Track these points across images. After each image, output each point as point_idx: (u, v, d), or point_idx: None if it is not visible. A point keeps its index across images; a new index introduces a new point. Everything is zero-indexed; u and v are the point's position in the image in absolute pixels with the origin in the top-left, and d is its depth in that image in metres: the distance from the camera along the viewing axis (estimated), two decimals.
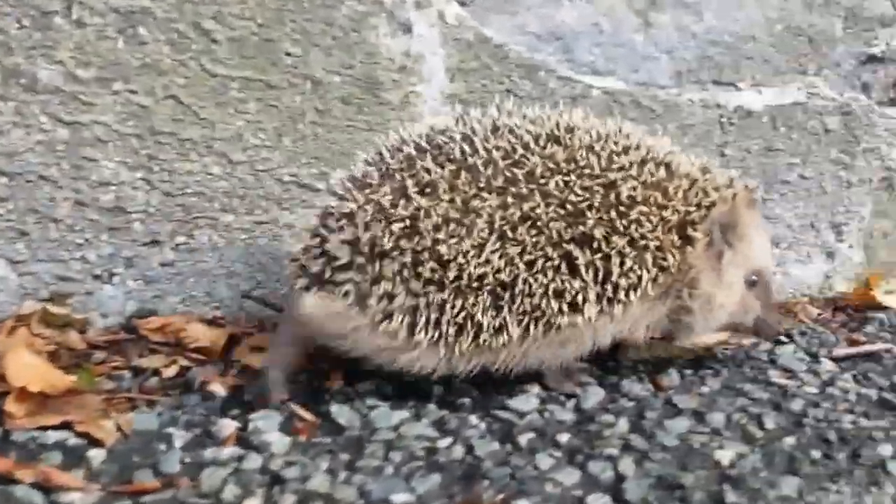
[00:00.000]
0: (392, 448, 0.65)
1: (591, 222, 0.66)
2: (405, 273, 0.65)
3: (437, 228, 0.64)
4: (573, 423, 0.72)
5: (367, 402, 0.73)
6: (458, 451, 0.66)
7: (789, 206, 1.08)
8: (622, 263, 0.67)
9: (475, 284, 0.65)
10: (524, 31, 0.93)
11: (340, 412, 0.70)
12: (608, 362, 0.85)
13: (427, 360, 0.68)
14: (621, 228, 0.67)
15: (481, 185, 0.66)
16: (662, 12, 0.98)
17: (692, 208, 0.70)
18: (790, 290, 1.11)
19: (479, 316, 0.65)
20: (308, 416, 0.69)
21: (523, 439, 0.68)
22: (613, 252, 0.66)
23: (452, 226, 0.65)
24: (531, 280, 0.65)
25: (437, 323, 0.65)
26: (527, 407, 0.74)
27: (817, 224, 1.10)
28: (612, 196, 0.67)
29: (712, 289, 0.74)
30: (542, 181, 0.66)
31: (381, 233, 0.65)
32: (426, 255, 0.64)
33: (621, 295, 0.67)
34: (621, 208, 0.67)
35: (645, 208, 0.67)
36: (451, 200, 0.65)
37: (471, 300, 0.65)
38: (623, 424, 0.72)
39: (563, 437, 0.69)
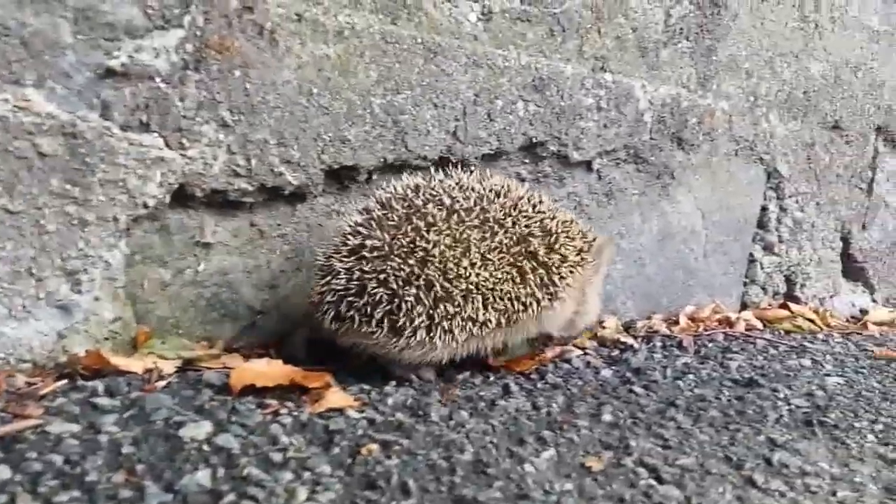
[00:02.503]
0: None
1: (534, 247, 1.22)
2: (423, 295, 1.13)
3: (443, 255, 1.15)
4: None
5: None
6: None
7: None
8: (553, 277, 1.24)
9: (473, 292, 1.16)
10: None
11: None
12: None
13: (442, 354, 1.19)
14: (553, 253, 1.24)
15: (467, 223, 1.19)
16: None
17: (584, 243, 1.33)
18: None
19: (475, 314, 1.16)
20: None
21: None
22: (550, 268, 1.24)
23: (452, 253, 1.15)
24: (501, 287, 1.18)
25: (450, 326, 1.15)
26: None
27: (38, 271, 1.04)
28: (545, 231, 1.25)
29: (594, 294, 1.40)
30: (503, 220, 1.21)
31: (405, 265, 1.13)
32: (438, 277, 1.14)
33: (555, 296, 1.25)
34: (551, 239, 1.25)
35: (564, 240, 1.27)
36: (449, 235, 1.16)
37: (470, 304, 1.15)
38: None
39: None
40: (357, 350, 1.20)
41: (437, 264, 1.13)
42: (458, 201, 1.19)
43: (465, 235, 1.17)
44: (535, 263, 1.22)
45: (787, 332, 2.06)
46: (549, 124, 1.62)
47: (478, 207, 1.20)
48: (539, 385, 1.32)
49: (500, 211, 1.21)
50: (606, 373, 1.45)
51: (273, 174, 1.26)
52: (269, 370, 1.09)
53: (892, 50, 2.39)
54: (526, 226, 1.22)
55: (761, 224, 2.16)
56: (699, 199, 1.97)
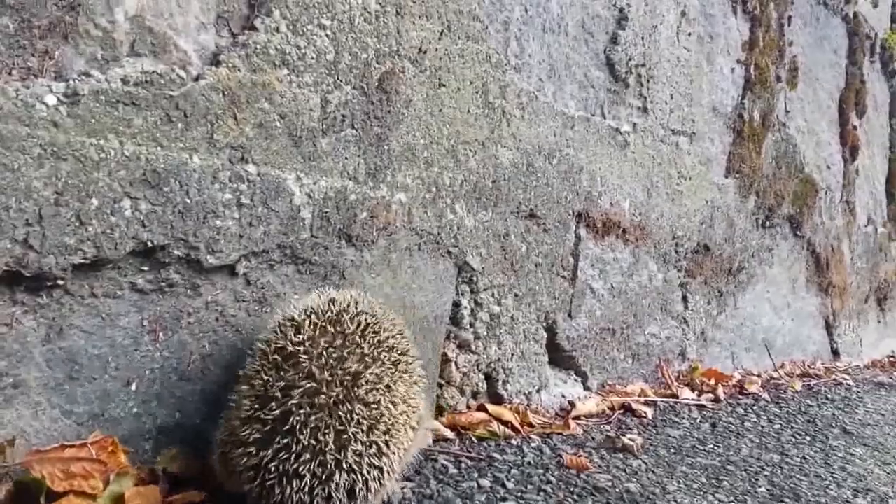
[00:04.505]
0: None
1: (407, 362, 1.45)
2: (374, 460, 1.29)
3: (382, 409, 1.32)
4: None
5: None
6: None
7: None
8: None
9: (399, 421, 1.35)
10: None
11: None
12: None
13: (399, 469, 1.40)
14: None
15: (383, 365, 1.36)
16: None
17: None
18: None
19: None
20: None
21: None
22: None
23: (385, 401, 1.33)
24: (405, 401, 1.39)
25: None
26: None
27: None
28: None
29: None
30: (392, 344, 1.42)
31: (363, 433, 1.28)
32: (382, 435, 1.30)
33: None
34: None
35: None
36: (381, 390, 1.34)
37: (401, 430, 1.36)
38: None
39: None
40: None
41: (381, 425, 1.29)
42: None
43: (387, 382, 1.33)
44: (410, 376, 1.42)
45: (481, 440, 2.03)
46: (171, 225, 1.45)
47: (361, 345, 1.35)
48: None
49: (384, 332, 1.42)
50: None
51: None
52: None
53: (589, 135, 2.54)
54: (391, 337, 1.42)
55: (455, 321, 2.13)
56: (378, 298, 1.90)
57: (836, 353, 4.61)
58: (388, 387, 1.31)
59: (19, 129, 1.25)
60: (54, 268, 1.31)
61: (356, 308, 1.39)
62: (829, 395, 3.51)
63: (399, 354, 1.39)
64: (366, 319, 1.37)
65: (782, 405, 3.13)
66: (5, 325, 1.29)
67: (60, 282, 1.33)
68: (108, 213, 1.36)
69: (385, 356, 1.35)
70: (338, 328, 1.33)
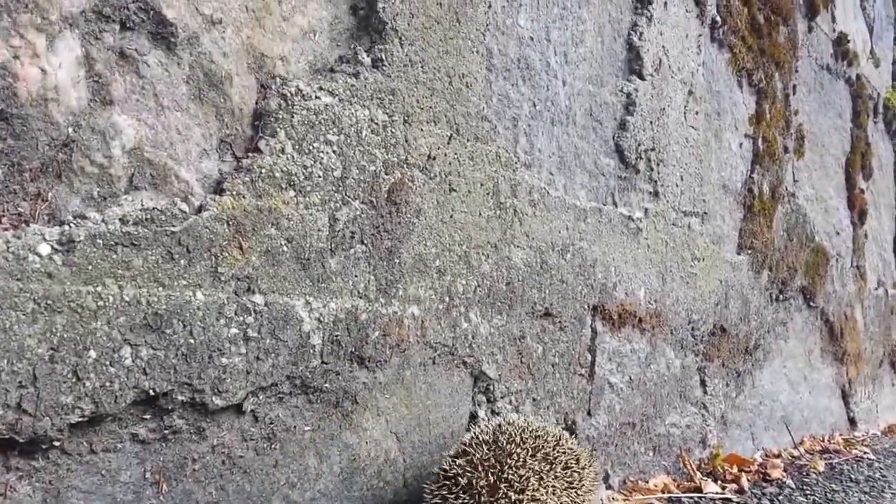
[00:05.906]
0: None
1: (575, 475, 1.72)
2: None
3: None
4: None
5: None
6: None
7: None
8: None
9: None
10: None
11: None
12: None
13: None
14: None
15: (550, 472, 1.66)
16: None
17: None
18: None
19: None
20: None
21: None
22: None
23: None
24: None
25: None
26: None
27: None
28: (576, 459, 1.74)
29: None
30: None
31: None
32: None
33: None
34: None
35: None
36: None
37: None
38: None
39: None
40: None
41: (526, 495, 1.56)
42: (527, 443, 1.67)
43: (536, 469, 1.62)
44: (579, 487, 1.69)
45: None
46: (175, 369, 1.37)
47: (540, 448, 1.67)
48: None
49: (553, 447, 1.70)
50: None
51: None
52: None
53: (601, 226, 2.49)
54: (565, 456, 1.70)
55: None
56: (392, 421, 1.81)
57: (853, 422, 4.52)
58: (536, 471, 1.61)
59: (11, 284, 1.17)
60: (50, 430, 1.22)
61: (522, 425, 1.73)
62: (852, 476, 3.40)
63: (562, 464, 1.69)
64: (528, 433, 1.70)
65: (808, 492, 3.02)
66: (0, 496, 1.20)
67: (56, 442, 1.25)
68: (106, 365, 1.28)
69: (540, 454, 1.66)
70: (506, 435, 1.68)
